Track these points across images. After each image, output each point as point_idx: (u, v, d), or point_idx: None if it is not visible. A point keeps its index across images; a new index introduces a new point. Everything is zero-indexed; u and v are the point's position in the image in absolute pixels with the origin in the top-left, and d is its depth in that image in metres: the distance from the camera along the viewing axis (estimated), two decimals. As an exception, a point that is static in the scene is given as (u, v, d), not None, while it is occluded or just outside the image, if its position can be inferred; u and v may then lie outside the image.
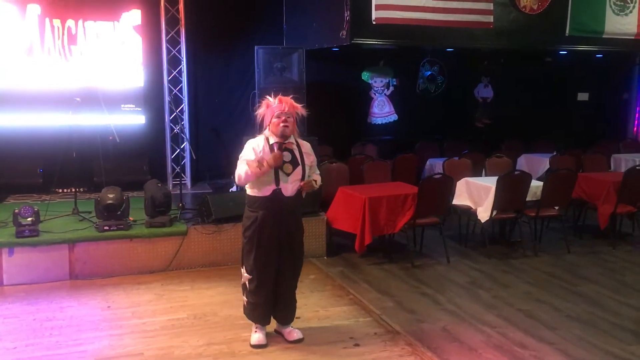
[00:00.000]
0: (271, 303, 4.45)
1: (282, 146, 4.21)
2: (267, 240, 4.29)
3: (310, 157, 4.39)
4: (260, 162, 4.11)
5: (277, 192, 4.23)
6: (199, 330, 4.68)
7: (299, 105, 4.30)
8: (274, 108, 4.21)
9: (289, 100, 4.26)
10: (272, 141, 4.25)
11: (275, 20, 9.23)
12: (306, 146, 4.41)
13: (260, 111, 4.29)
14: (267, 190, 4.24)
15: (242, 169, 4.17)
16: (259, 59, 6.56)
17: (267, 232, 4.28)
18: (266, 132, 4.29)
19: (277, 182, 4.22)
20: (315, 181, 4.38)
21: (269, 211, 4.26)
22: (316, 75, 7.66)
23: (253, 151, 4.20)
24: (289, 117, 4.21)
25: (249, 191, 4.33)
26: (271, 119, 4.22)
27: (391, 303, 5.38)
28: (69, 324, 4.81)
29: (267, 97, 4.32)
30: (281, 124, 4.18)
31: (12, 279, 5.67)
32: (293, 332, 4.54)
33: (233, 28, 8.71)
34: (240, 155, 4.27)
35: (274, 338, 4.53)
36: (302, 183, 4.27)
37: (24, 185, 7.99)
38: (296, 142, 4.34)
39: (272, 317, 4.55)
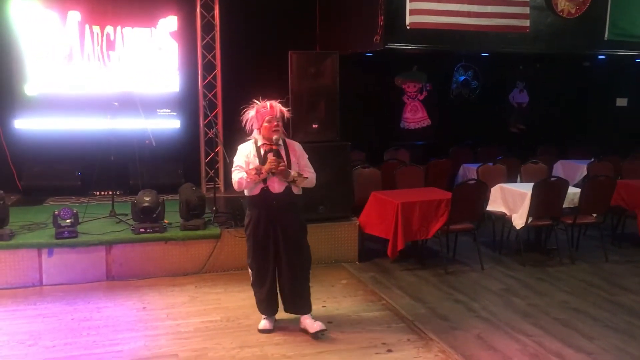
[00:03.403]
0: (273, 296, 4.71)
1: (275, 149, 4.44)
2: (262, 236, 4.54)
3: (296, 154, 4.57)
4: (258, 169, 4.36)
5: (265, 190, 4.47)
6: (232, 333, 4.72)
7: (284, 109, 4.52)
8: (264, 113, 4.44)
9: (278, 105, 4.48)
10: (259, 143, 4.49)
11: (309, 26, 9.28)
12: (294, 146, 4.61)
13: (250, 115, 4.48)
14: (256, 190, 4.48)
15: (238, 176, 4.45)
16: (292, 63, 6.59)
17: (261, 229, 4.53)
18: (255, 134, 4.52)
19: (264, 180, 4.44)
20: (300, 174, 4.49)
21: (260, 209, 4.52)
22: (349, 80, 7.64)
23: (244, 156, 4.49)
24: (279, 122, 4.45)
25: (245, 192, 4.59)
26: (262, 123, 4.44)
27: (424, 309, 5.34)
28: (106, 324, 4.90)
29: (255, 101, 4.51)
30: (273, 129, 4.42)
31: (51, 279, 5.80)
32: (313, 324, 4.64)
33: (267, 33, 8.78)
34: (233, 161, 4.54)
35: (304, 342, 4.55)
36: (274, 159, 4.38)
37: (63, 187, 8.18)
38: (283, 142, 4.54)
39: (277, 310, 4.79)
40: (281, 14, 8.90)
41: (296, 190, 4.55)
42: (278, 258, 4.58)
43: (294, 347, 4.47)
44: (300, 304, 4.69)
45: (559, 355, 4.44)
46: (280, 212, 4.50)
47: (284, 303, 4.74)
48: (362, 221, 6.78)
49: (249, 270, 4.73)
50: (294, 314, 4.74)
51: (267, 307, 4.72)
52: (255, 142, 4.52)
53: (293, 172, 4.46)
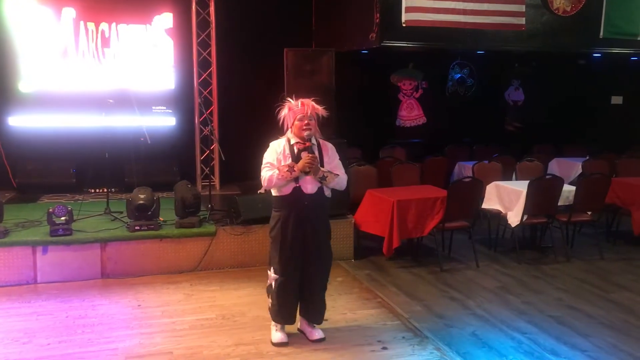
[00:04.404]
0: (296, 303, 4.51)
1: (308, 146, 4.27)
2: (291, 238, 4.35)
3: (328, 153, 4.42)
4: (291, 166, 4.22)
5: (297, 190, 4.30)
6: (227, 331, 4.71)
7: (319, 107, 4.37)
8: (296, 111, 4.30)
9: (310, 102, 4.34)
10: (293, 142, 4.34)
11: (305, 22, 9.27)
12: (327, 146, 4.46)
13: (282, 113, 4.37)
14: (288, 189, 4.32)
15: (269, 174, 4.27)
16: (288, 61, 6.58)
17: (291, 231, 4.34)
18: (288, 133, 4.38)
19: (297, 179, 4.29)
20: (330, 171, 4.33)
21: (291, 209, 4.34)
22: (345, 78, 7.66)
23: (275, 153, 4.32)
24: (310, 120, 4.30)
25: (273, 192, 4.42)
26: (294, 121, 4.31)
27: (419, 307, 5.35)
28: (101, 321, 4.89)
29: (289, 99, 4.40)
30: (304, 127, 4.27)
31: (45, 277, 5.78)
32: (315, 331, 4.57)
33: (263, 30, 8.77)
34: (264, 157, 4.37)
35: (300, 339, 4.55)
36: (311, 156, 4.21)
37: (58, 185, 8.16)
38: (317, 142, 4.40)
39: (300, 316, 4.60)
40: (277, 11, 8.90)
41: (327, 193, 4.42)
42: (306, 263, 4.41)
43: (289, 345, 4.45)
44: (322, 313, 4.58)
45: (553, 352, 4.45)
46: (312, 213, 4.35)
47: (302, 308, 4.55)
48: (357, 219, 6.78)
49: (271, 274, 4.47)
50: (309, 321, 4.59)
51: (288, 314, 4.48)
52: (289, 141, 4.36)
53: (323, 169, 4.32)
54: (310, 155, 4.22)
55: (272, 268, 4.48)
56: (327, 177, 4.30)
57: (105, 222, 6.38)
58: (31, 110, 8.18)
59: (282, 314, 4.49)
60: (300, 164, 4.21)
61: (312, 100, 4.37)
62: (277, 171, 4.24)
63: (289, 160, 4.28)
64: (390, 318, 5.03)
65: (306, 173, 4.26)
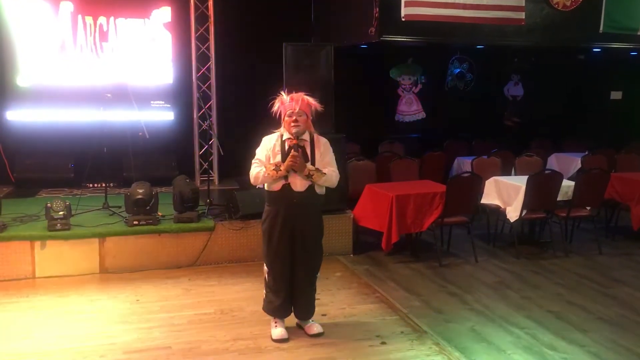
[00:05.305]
0: (288, 297, 4.50)
1: (294, 144, 4.23)
2: (279, 233, 4.35)
3: (320, 150, 4.36)
4: (277, 165, 4.21)
5: (286, 187, 4.28)
6: (225, 325, 4.71)
7: (313, 102, 4.32)
8: (286, 106, 4.27)
9: (301, 98, 4.27)
10: (285, 137, 4.30)
11: (304, 17, 9.23)
12: (320, 142, 4.40)
13: (275, 108, 4.34)
14: (277, 186, 4.30)
15: (256, 170, 4.27)
16: (287, 55, 6.56)
17: (279, 226, 4.34)
18: (282, 128, 4.35)
19: (286, 177, 4.27)
20: (318, 169, 4.27)
21: (280, 205, 4.33)
22: (344, 73, 7.62)
23: (266, 150, 4.30)
24: (300, 116, 4.24)
25: (265, 187, 4.42)
26: (284, 117, 4.28)
27: (418, 302, 5.34)
28: (99, 316, 4.88)
29: (281, 92, 4.36)
30: (292, 124, 4.23)
31: (43, 271, 5.77)
32: (313, 326, 4.57)
33: (262, 25, 8.73)
34: (255, 153, 4.36)
35: (299, 334, 4.54)
36: (293, 154, 4.18)
37: (56, 179, 8.14)
38: (311, 138, 4.35)
39: (291, 312, 4.60)
40: (276, 5, 8.85)
41: (319, 190, 4.37)
42: (294, 259, 4.39)
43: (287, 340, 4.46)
44: (309, 309, 4.58)
45: (552, 347, 4.45)
46: (301, 210, 4.31)
47: (294, 307, 4.55)
48: (356, 214, 6.77)
49: (264, 267, 4.51)
50: (302, 319, 4.60)
51: (279, 306, 4.47)
52: (281, 136, 4.32)
53: (310, 166, 4.25)
54: (293, 153, 4.18)
55: (264, 261, 4.53)
56: (312, 175, 4.25)
57: (103, 217, 6.37)
58: (29, 105, 8.16)
59: (273, 307, 4.52)
60: (286, 163, 4.19)
61: (305, 95, 4.31)
62: (264, 169, 4.23)
63: (279, 157, 4.26)
64: (389, 313, 5.03)
65: (294, 171, 4.23)
